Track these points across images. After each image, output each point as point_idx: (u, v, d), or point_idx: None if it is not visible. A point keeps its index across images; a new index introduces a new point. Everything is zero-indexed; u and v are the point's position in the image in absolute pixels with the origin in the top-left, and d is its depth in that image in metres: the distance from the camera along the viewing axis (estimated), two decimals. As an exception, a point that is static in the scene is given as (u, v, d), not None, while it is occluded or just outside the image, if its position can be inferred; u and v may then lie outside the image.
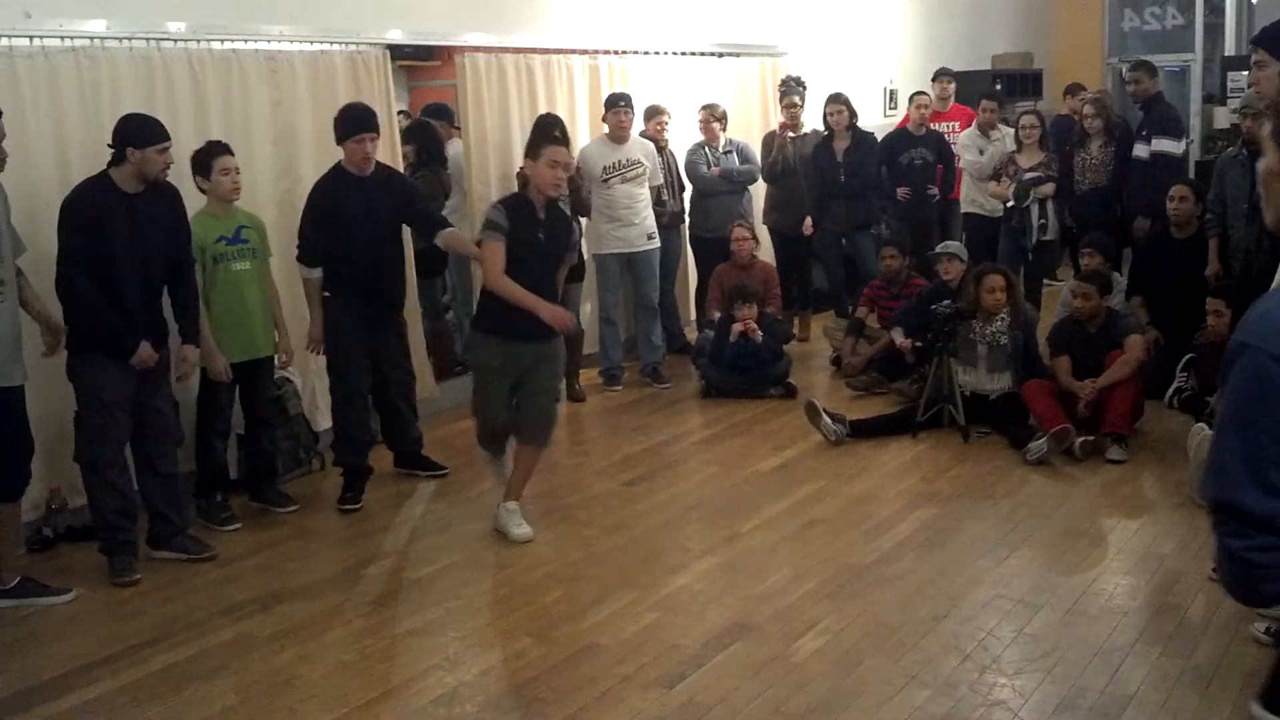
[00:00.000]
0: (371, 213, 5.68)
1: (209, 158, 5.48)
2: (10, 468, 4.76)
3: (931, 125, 9.48)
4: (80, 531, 5.38)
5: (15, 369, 4.70)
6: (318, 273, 5.73)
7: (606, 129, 7.83)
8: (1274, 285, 1.83)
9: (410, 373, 6.27)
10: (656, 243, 7.99)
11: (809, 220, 8.91)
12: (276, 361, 5.84)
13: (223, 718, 3.90)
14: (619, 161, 7.74)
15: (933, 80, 10.06)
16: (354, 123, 5.67)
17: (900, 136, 9.28)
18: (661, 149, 8.35)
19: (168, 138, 4.94)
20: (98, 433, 4.90)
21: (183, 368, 5.20)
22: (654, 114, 8.40)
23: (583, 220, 7.54)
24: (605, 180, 7.72)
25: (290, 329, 5.89)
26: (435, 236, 5.89)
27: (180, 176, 5.53)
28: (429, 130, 7.82)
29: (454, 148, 8.12)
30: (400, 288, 6.08)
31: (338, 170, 5.75)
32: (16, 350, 4.70)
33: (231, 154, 5.54)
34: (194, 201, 5.50)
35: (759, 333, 7.53)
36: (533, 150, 5.31)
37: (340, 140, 5.70)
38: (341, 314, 5.74)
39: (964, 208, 9.33)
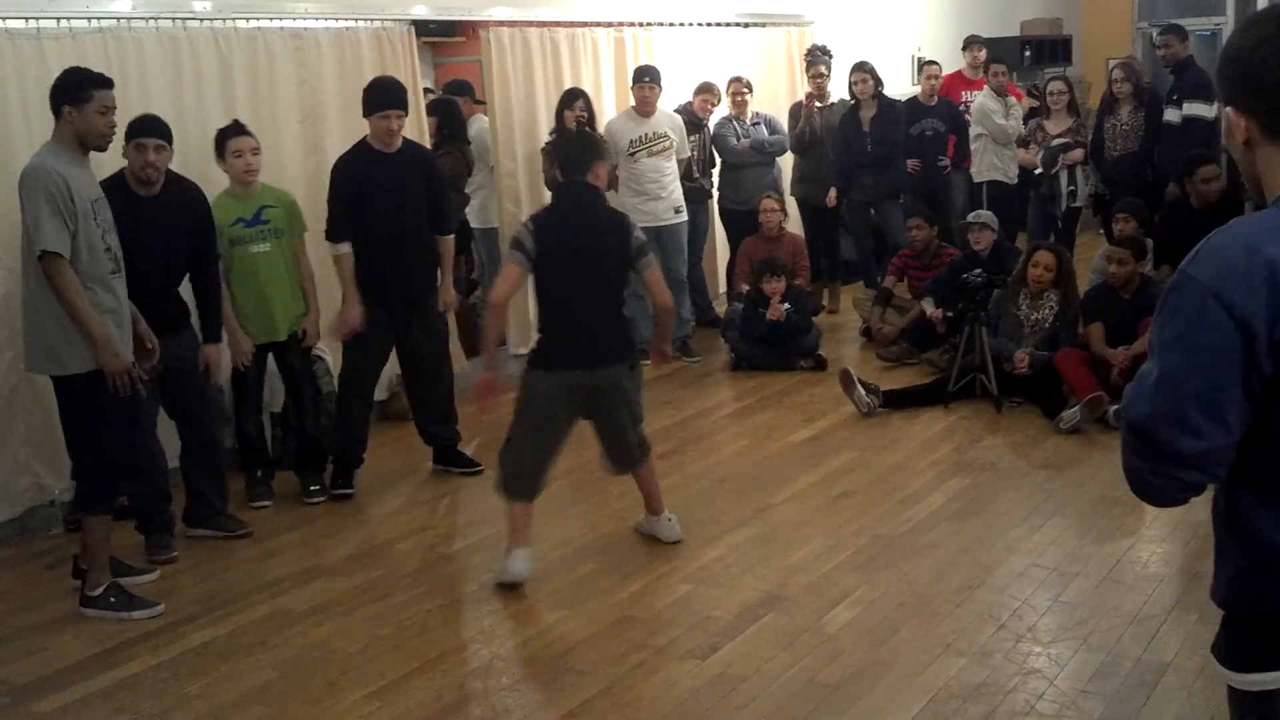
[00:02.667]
0: (396, 188, 5.56)
1: (223, 139, 5.42)
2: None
3: (964, 93, 9.39)
4: (118, 511, 5.40)
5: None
6: (347, 248, 5.57)
7: (633, 102, 7.80)
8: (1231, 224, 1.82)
9: (443, 365, 6.00)
10: (684, 216, 7.96)
11: (833, 191, 8.85)
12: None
13: (261, 692, 3.94)
14: (645, 135, 7.71)
15: (963, 49, 9.96)
16: (381, 99, 5.57)
17: (911, 107, 9.20)
18: (700, 126, 8.32)
19: (152, 133, 4.83)
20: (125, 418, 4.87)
21: (205, 366, 5.18)
22: (704, 90, 8.37)
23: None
24: (632, 154, 7.69)
25: (322, 313, 5.84)
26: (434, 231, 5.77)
27: (208, 158, 5.58)
28: (451, 107, 7.82)
29: (477, 124, 8.11)
30: (428, 269, 5.81)
31: (361, 145, 5.65)
32: (127, 329, 4.54)
33: (247, 134, 5.43)
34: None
35: (783, 310, 7.49)
36: (579, 165, 4.80)
37: (367, 114, 5.61)
38: (362, 296, 5.59)
39: (984, 175, 9.22)
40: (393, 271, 5.62)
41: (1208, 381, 1.70)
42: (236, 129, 5.45)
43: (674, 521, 5.01)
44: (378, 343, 5.74)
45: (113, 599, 4.52)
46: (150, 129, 4.85)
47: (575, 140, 5.58)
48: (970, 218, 7.78)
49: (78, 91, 4.33)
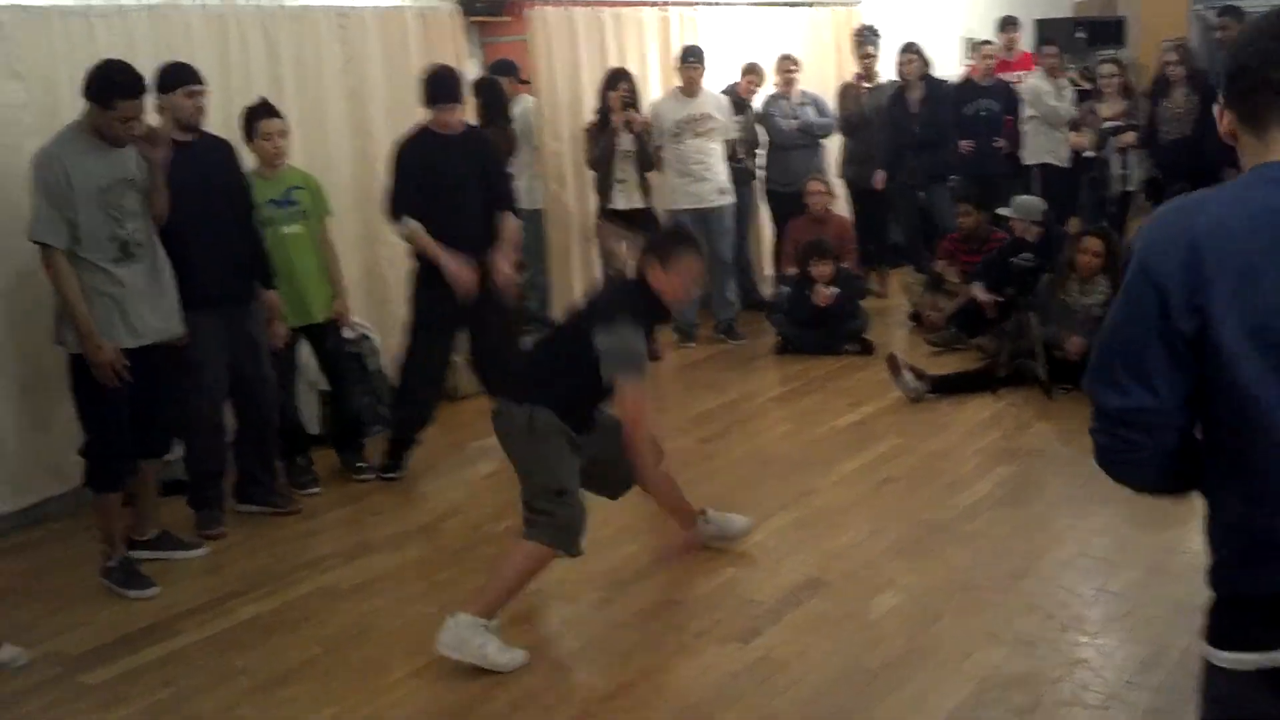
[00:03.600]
0: (457, 173, 5.53)
1: (253, 119, 5.38)
2: (157, 426, 4.76)
3: (998, 75, 9.28)
4: (170, 486, 5.47)
5: (159, 328, 4.61)
6: (413, 222, 5.47)
7: (679, 82, 7.77)
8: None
9: (509, 335, 5.95)
10: (730, 198, 7.92)
11: (880, 173, 8.78)
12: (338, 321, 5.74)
13: (307, 667, 3.98)
14: (691, 115, 7.67)
15: (1000, 31, 9.84)
16: (443, 92, 5.51)
17: (965, 87, 9.09)
18: (746, 107, 8.28)
19: (198, 81, 4.89)
20: (194, 392, 4.94)
21: (269, 314, 5.22)
22: (749, 71, 8.33)
23: (650, 175, 7.50)
24: (677, 134, 7.66)
25: (365, 291, 5.85)
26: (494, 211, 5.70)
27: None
28: (494, 87, 7.79)
29: (521, 104, 8.10)
30: (484, 251, 5.68)
31: (423, 129, 5.60)
32: (156, 312, 4.60)
33: (276, 116, 5.39)
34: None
35: (831, 294, 7.44)
36: (661, 259, 4.14)
37: (428, 105, 5.56)
38: (428, 281, 5.56)
39: (1035, 158, 9.10)
40: (458, 244, 5.54)
41: (1127, 340, 1.80)
42: (266, 110, 5.41)
43: (711, 518, 4.69)
44: (444, 327, 5.68)
45: (116, 573, 4.61)
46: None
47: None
48: (1010, 211, 7.63)
49: (102, 95, 4.35)
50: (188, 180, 4.75)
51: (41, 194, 4.30)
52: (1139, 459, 1.88)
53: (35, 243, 4.35)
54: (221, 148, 5.10)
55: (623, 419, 4.03)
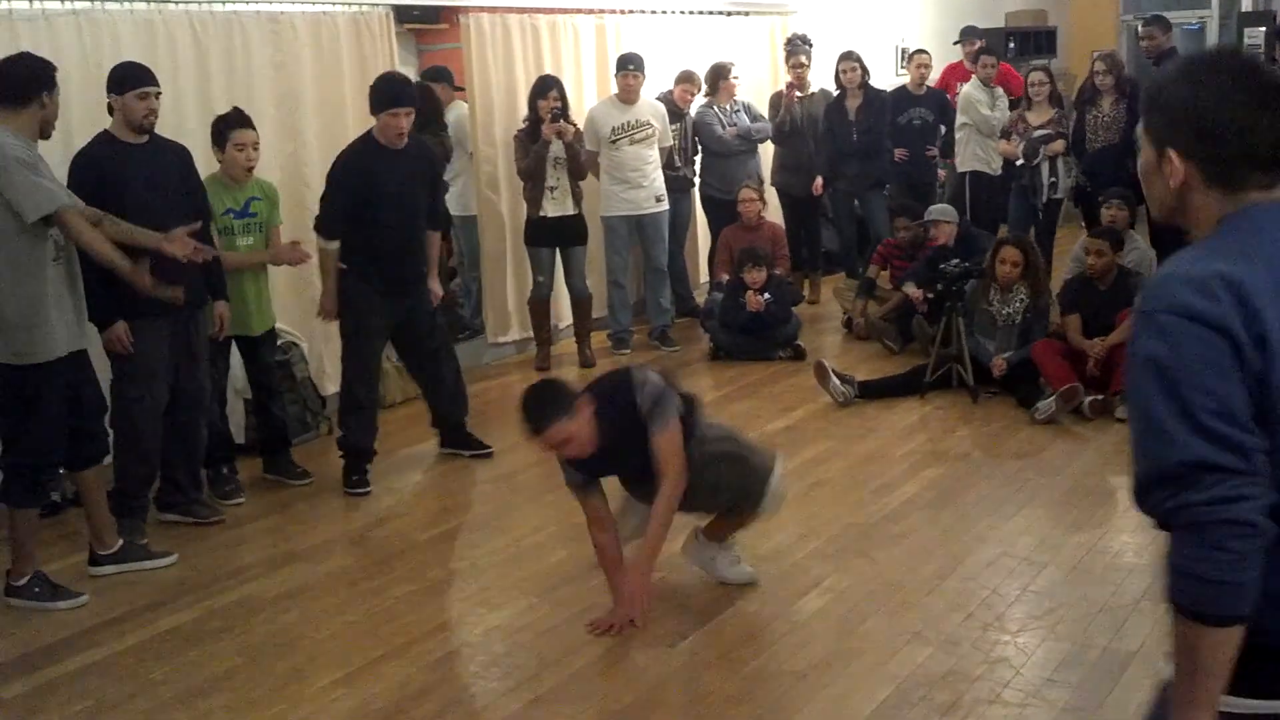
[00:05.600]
0: (402, 185, 5.49)
1: (226, 129, 5.33)
2: (90, 434, 4.62)
3: (958, 85, 9.37)
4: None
5: (80, 333, 4.52)
6: (335, 245, 5.49)
7: (615, 90, 7.77)
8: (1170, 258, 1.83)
9: (448, 347, 5.99)
10: (665, 205, 7.94)
11: (819, 180, 8.84)
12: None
13: (227, 678, 3.92)
14: (628, 123, 7.68)
15: (955, 43, 9.95)
16: (390, 96, 5.45)
17: (899, 96, 9.18)
18: (681, 115, 8.30)
19: (150, 83, 4.81)
20: (138, 401, 4.84)
21: (219, 322, 5.17)
22: (684, 80, 8.35)
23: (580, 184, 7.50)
24: (614, 141, 7.66)
25: (296, 299, 5.77)
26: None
27: (187, 136, 5.50)
28: (428, 93, 7.78)
29: (455, 111, 8.08)
30: (423, 260, 5.75)
31: (367, 140, 5.54)
32: (80, 314, 4.52)
33: (250, 127, 5.37)
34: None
35: (761, 302, 7.49)
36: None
37: (375, 111, 5.49)
38: (361, 287, 5.50)
39: (966, 166, 9.21)
40: (395, 263, 5.55)
41: (1203, 389, 1.66)
42: (240, 120, 5.36)
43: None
44: (379, 333, 5.67)
45: (37, 589, 4.47)
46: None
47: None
48: (927, 215, 7.81)
49: (29, 90, 4.30)
50: (141, 185, 4.71)
51: (20, 172, 4.15)
52: (1242, 530, 1.64)
53: (52, 215, 4.20)
54: (178, 152, 5.02)
55: (670, 464, 4.05)
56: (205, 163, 5.40)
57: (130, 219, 4.56)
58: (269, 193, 5.56)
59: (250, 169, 5.39)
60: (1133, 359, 1.75)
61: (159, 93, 4.87)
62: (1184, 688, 1.73)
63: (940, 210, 7.82)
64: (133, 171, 4.72)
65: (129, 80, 4.77)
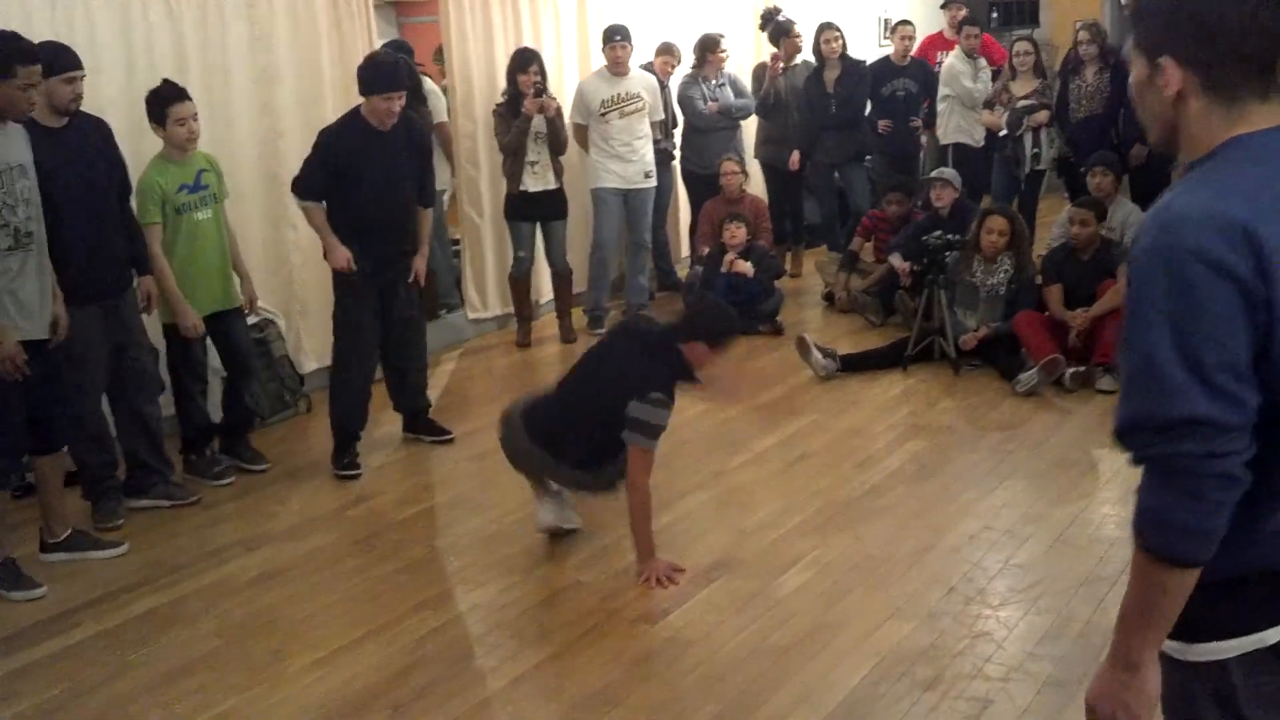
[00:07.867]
0: (391, 163, 5.39)
1: (164, 104, 5.13)
2: (50, 420, 4.55)
3: (939, 54, 9.29)
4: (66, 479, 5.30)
5: (43, 322, 4.43)
6: (311, 204, 5.37)
7: (604, 62, 7.69)
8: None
9: (420, 332, 5.89)
10: (654, 181, 7.85)
11: (796, 154, 8.77)
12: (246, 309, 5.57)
13: (205, 661, 3.89)
14: (617, 95, 7.59)
15: (942, 7, 9.88)
16: (383, 80, 5.29)
17: (882, 67, 9.12)
18: (663, 88, 8.23)
19: (77, 66, 4.64)
20: (77, 387, 4.74)
21: (146, 299, 5.05)
22: (664, 51, 8.26)
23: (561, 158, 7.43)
24: (603, 114, 7.58)
25: (270, 275, 5.70)
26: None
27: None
28: (409, 69, 7.69)
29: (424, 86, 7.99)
30: (409, 239, 5.63)
31: (355, 118, 5.40)
32: (45, 303, 4.43)
33: (188, 99, 5.18)
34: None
35: (749, 267, 7.45)
36: (711, 341, 4.44)
37: (365, 94, 5.34)
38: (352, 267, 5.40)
39: (949, 138, 9.16)
40: (381, 240, 5.46)
41: (1212, 339, 1.63)
42: (177, 93, 5.16)
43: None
44: (370, 309, 5.54)
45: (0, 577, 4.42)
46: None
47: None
48: (934, 174, 7.74)
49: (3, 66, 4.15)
50: (64, 168, 4.57)
51: None
52: (1228, 483, 1.66)
53: None
54: (99, 128, 4.88)
55: (628, 475, 4.30)
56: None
57: (53, 207, 4.44)
58: (213, 164, 5.38)
59: (192, 140, 5.19)
60: (1140, 299, 1.68)
61: (83, 76, 4.69)
62: (1137, 621, 1.78)
63: (949, 174, 7.70)
64: (56, 159, 4.52)
65: (57, 63, 4.55)
